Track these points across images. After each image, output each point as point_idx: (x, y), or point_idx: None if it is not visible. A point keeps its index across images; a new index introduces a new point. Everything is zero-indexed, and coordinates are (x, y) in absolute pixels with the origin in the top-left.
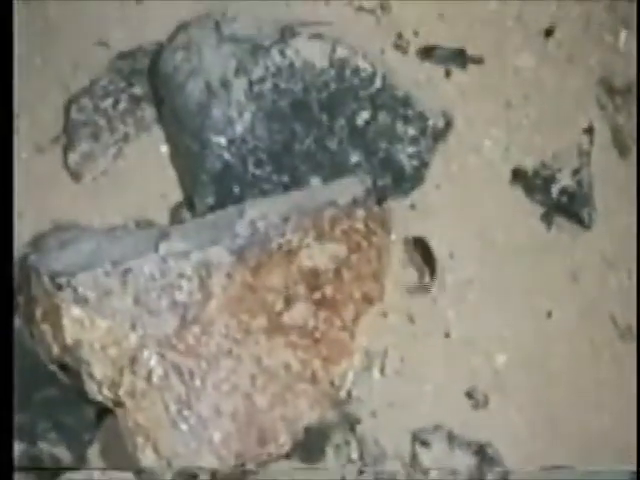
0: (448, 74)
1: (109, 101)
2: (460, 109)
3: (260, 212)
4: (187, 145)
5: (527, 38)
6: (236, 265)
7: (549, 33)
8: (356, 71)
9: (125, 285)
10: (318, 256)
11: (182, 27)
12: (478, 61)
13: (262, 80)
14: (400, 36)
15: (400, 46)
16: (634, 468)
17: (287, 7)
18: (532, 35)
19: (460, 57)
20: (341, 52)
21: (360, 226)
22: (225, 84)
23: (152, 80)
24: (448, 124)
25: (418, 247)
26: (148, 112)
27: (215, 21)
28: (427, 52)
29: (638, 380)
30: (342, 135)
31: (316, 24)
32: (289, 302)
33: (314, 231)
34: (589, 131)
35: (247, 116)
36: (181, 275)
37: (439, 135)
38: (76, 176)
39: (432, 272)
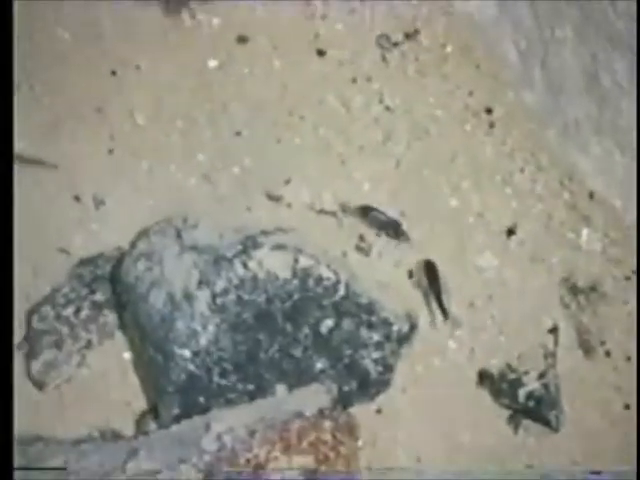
0: (411, 275)
1: (71, 309)
2: (424, 310)
3: (226, 425)
4: (150, 355)
5: (489, 237)
6: None
7: (511, 232)
8: (319, 280)
9: None
10: (286, 469)
11: (143, 233)
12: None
13: (225, 292)
14: (362, 238)
15: (362, 248)
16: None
17: (248, 212)
18: (494, 233)
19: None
20: (304, 262)
21: (327, 437)
22: (188, 296)
23: (114, 286)
24: (412, 327)
25: None
26: (110, 318)
27: (176, 229)
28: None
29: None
30: (306, 343)
31: (278, 231)
32: None
33: (281, 444)
34: (554, 331)
35: (211, 328)
36: None
37: (404, 339)
38: (39, 385)
39: None
